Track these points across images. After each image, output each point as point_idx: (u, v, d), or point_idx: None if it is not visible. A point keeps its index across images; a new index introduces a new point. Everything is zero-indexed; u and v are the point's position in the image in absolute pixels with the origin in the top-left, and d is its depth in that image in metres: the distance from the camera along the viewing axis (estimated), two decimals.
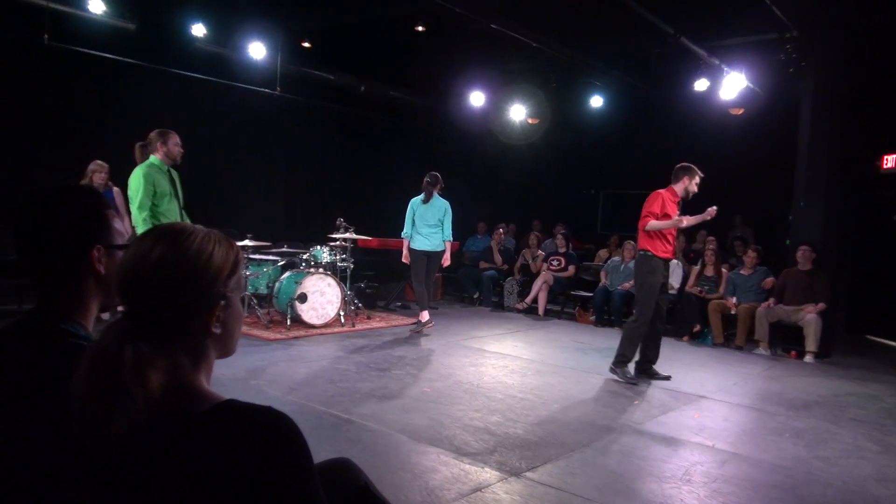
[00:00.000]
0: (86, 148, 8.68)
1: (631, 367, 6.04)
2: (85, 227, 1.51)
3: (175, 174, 5.78)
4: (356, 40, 10.89)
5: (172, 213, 5.58)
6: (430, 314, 7.95)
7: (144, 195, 5.39)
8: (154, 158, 5.58)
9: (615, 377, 5.97)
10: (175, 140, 5.66)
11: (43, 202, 1.50)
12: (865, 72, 8.53)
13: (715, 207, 6.05)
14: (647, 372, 6.13)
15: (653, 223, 5.94)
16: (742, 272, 8.49)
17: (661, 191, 6.14)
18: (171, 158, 5.66)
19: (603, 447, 4.17)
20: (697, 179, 6.22)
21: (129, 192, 5.54)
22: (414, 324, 8.02)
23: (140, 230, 5.31)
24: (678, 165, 6.28)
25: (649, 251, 6.00)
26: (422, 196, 7.98)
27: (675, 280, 8.90)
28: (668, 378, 6.09)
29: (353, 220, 8.45)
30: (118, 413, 1.07)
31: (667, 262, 6.15)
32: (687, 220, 6.07)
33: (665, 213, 5.99)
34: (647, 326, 5.98)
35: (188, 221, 5.56)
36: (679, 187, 6.19)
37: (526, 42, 8.91)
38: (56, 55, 7.96)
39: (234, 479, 1.06)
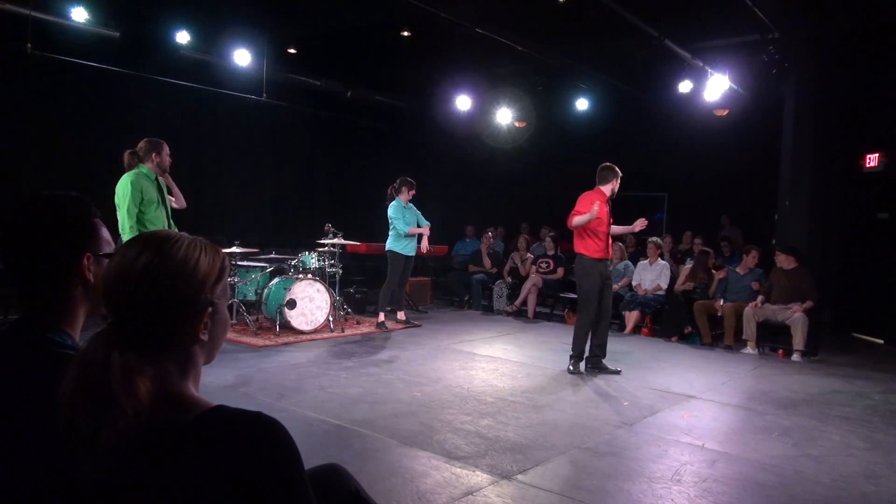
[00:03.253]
0: (71, 156, 8.66)
1: (580, 363, 6.36)
2: (74, 236, 1.50)
3: (163, 183, 5.77)
4: (342, 46, 10.88)
5: (160, 220, 5.56)
6: (418, 319, 8.12)
7: (132, 202, 5.37)
8: (143, 167, 5.57)
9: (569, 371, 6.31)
10: (167, 150, 5.69)
11: (31, 211, 1.50)
12: (847, 72, 8.63)
13: (645, 220, 6.48)
14: (597, 366, 6.38)
15: (577, 219, 6.18)
16: (738, 270, 8.52)
17: (593, 192, 6.39)
18: (162, 168, 5.68)
19: (593, 448, 4.19)
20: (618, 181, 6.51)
21: (116, 199, 5.51)
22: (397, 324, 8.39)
23: (126, 237, 5.29)
24: (603, 166, 6.53)
25: (581, 254, 6.30)
26: (399, 201, 8.24)
27: (662, 281, 8.96)
28: (618, 372, 6.36)
29: (341, 226, 8.45)
30: (107, 423, 1.07)
31: (604, 261, 6.33)
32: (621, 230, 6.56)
33: (583, 210, 6.25)
34: (589, 326, 6.31)
35: (176, 230, 5.55)
36: (607, 188, 6.41)
37: (511, 46, 8.95)
38: (39, 64, 7.91)
39: (225, 487, 1.05)
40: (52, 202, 1.52)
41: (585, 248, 6.28)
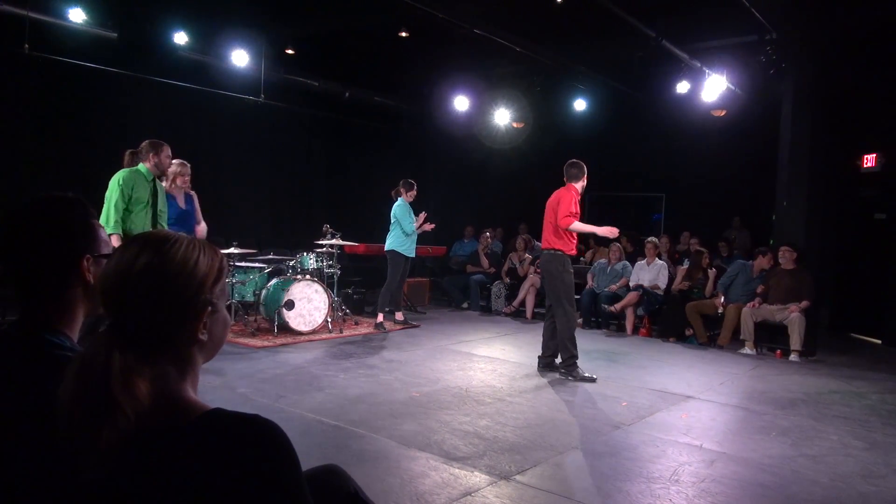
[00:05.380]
0: (69, 157, 8.64)
1: (580, 365, 6.12)
2: (74, 238, 1.50)
3: (161, 188, 5.74)
4: (340, 47, 10.88)
5: (140, 221, 5.48)
6: (416, 319, 8.09)
7: (120, 197, 5.33)
8: (142, 166, 5.54)
9: (571, 380, 6.02)
10: (167, 153, 5.65)
11: (31, 213, 1.49)
12: (844, 72, 8.65)
13: (616, 230, 6.41)
14: (549, 366, 6.34)
15: (576, 224, 6.14)
16: (753, 270, 8.40)
17: (571, 190, 6.30)
18: (161, 170, 5.64)
19: (591, 449, 4.19)
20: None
21: (107, 192, 5.45)
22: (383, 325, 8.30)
23: (109, 230, 5.27)
24: (573, 162, 6.46)
25: (560, 250, 6.21)
26: (403, 200, 8.31)
27: (660, 281, 8.97)
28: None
29: (340, 227, 8.45)
30: (108, 424, 1.07)
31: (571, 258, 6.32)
32: (599, 230, 6.42)
33: (577, 211, 6.23)
34: (575, 322, 6.22)
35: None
36: (579, 185, 6.37)
37: (509, 47, 8.95)
38: (37, 65, 7.89)
39: (223, 489, 1.05)
40: (52, 204, 1.52)
41: (564, 245, 6.26)
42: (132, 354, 1.12)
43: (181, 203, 6.50)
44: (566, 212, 6.14)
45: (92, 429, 1.07)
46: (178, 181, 6.44)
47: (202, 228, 6.57)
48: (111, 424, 1.06)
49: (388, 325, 8.29)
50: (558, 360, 6.24)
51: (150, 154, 5.57)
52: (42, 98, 8.39)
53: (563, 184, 6.42)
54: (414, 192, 8.51)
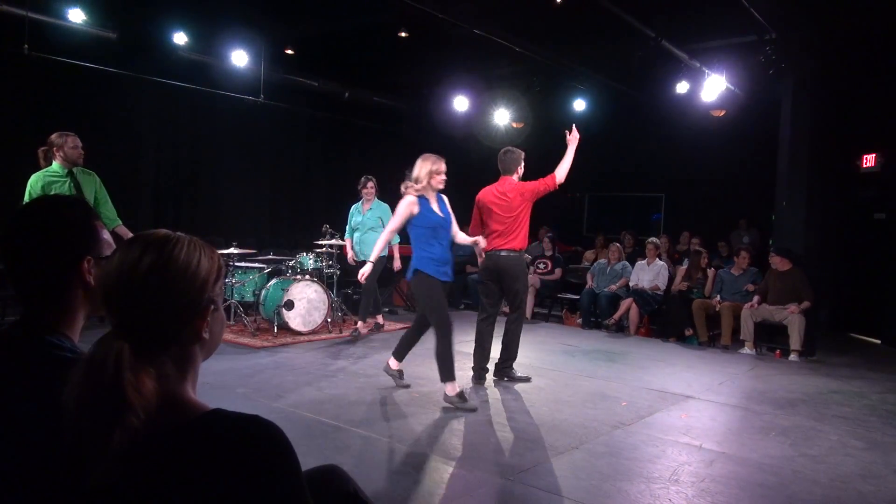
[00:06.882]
0: None
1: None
2: (75, 239, 1.50)
3: (85, 176, 5.53)
4: (340, 47, 10.88)
5: None
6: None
7: None
8: (55, 164, 5.38)
9: (509, 382, 5.84)
10: (73, 143, 5.41)
11: (32, 214, 1.49)
12: (843, 72, 8.65)
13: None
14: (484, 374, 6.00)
15: (560, 170, 6.11)
16: (732, 271, 8.53)
17: (498, 185, 6.16)
18: (71, 162, 5.43)
19: (591, 449, 4.19)
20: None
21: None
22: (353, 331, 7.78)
23: None
24: (508, 150, 6.28)
25: (521, 249, 5.97)
26: (361, 202, 8.13)
27: (660, 281, 8.97)
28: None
29: (339, 227, 8.45)
30: (120, 424, 1.06)
31: None
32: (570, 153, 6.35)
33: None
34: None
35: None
36: (516, 178, 6.17)
37: (509, 47, 8.95)
38: (37, 65, 7.90)
39: (223, 490, 1.05)
40: (53, 205, 1.52)
41: (524, 242, 5.90)
42: (138, 354, 1.12)
43: (436, 207, 5.16)
44: (539, 183, 5.95)
45: (103, 431, 1.06)
46: (434, 181, 5.14)
47: (462, 237, 5.48)
48: (123, 424, 1.06)
49: (386, 325, 8.32)
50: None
51: (55, 148, 5.36)
52: (42, 98, 8.38)
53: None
54: (366, 189, 8.05)
